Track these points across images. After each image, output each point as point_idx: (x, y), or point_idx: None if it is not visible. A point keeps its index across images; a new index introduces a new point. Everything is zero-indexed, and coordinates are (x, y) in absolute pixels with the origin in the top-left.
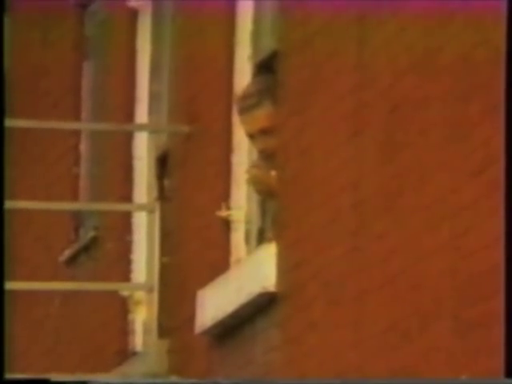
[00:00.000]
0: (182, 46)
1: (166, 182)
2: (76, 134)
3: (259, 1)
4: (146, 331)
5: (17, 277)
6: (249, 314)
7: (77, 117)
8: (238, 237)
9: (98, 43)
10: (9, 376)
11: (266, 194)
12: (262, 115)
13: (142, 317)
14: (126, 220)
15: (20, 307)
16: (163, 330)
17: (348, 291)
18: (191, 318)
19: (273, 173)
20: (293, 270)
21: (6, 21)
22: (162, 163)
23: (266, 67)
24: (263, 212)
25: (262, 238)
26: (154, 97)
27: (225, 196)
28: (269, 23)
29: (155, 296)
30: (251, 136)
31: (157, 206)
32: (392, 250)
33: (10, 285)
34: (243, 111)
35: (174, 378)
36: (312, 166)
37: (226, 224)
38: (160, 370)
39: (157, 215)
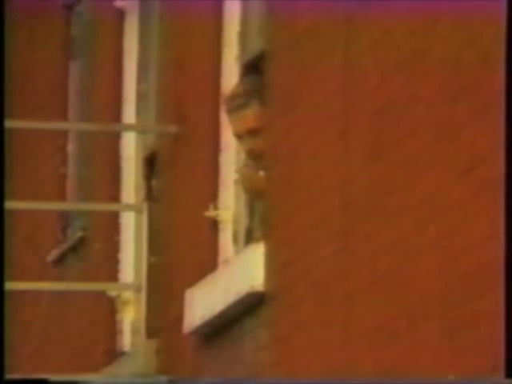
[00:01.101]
0: (169, 47)
1: (154, 182)
2: (63, 134)
3: (246, 2)
4: (134, 331)
5: (5, 277)
6: (237, 314)
7: (64, 117)
8: (225, 237)
9: (84, 43)
10: (8, 376)
11: (254, 193)
12: (250, 116)
13: (130, 317)
14: (113, 220)
15: (8, 307)
16: (151, 330)
17: (336, 291)
18: (179, 317)
19: (261, 173)
20: (281, 269)
21: None
22: (150, 163)
23: (253, 68)
24: (251, 212)
25: (249, 238)
26: (141, 97)
27: (213, 196)
28: (256, 24)
29: (143, 296)
30: (239, 136)
31: (145, 206)
32: (380, 249)
33: None
34: (231, 111)
35: (162, 378)
36: (300, 166)
37: (214, 224)
38: (148, 370)
39: (145, 215)
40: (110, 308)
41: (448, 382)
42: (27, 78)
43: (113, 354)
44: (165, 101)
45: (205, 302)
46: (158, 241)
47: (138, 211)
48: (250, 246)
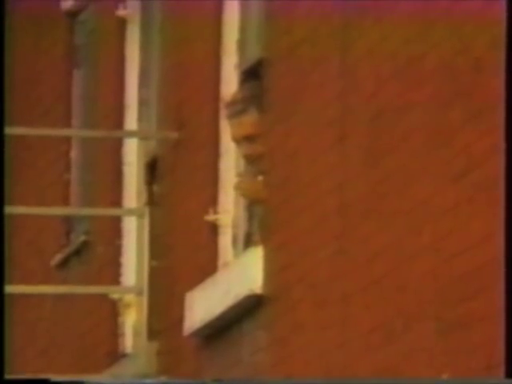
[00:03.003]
0: (170, 54)
1: (155, 188)
2: (67, 140)
3: (245, 10)
4: (136, 333)
5: (10, 280)
6: (236, 316)
7: (68, 124)
8: (225, 240)
9: (87, 51)
10: (8, 376)
11: (253, 198)
12: (248, 122)
13: (132, 319)
14: (116, 224)
15: (13, 310)
16: (153, 332)
17: (333, 293)
18: (180, 320)
19: (259, 178)
20: (279, 272)
21: None
22: (151, 169)
23: (252, 75)
24: (250, 216)
25: (248, 242)
26: (143, 104)
27: (212, 201)
28: (255, 32)
29: (145, 299)
30: (237, 141)
31: (146, 211)
32: (376, 252)
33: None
34: (230, 117)
35: (163, 379)
36: (298, 171)
37: (214, 228)
38: (150, 371)
39: (146, 220)
40: (112, 310)
41: (448, 381)
42: (32, 86)
43: (115, 355)
44: (166, 107)
45: (205, 304)
46: (159, 245)
47: (140, 216)
48: (249, 250)
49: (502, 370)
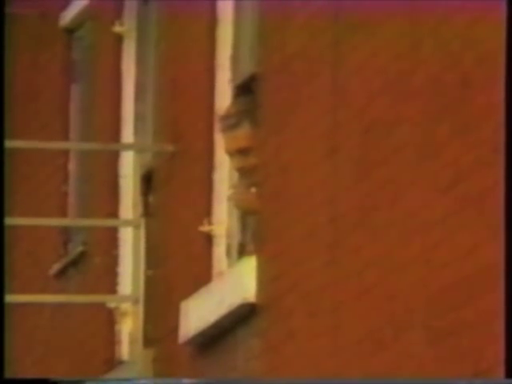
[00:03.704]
0: (165, 69)
1: (151, 199)
2: (65, 153)
3: (238, 26)
4: (132, 341)
5: (9, 290)
6: (230, 324)
7: (65, 137)
8: (219, 250)
9: (85, 66)
10: (8, 376)
11: (246, 209)
12: (241, 135)
13: (128, 327)
14: (112, 235)
15: (12, 318)
16: (148, 340)
17: (325, 302)
18: (175, 328)
19: (253, 189)
20: (272, 282)
21: None
22: (147, 181)
23: (245, 89)
24: (243, 227)
25: (242, 252)
26: (139, 117)
27: (207, 212)
28: (248, 48)
29: (141, 307)
30: (230, 154)
31: (142, 222)
32: (367, 262)
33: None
34: (224, 130)
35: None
36: (290, 183)
37: (208, 238)
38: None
39: (142, 230)
40: (109, 319)
41: (448, 381)
42: (31, 100)
43: (112, 362)
44: (161, 121)
45: (199, 312)
46: (154, 255)
47: (136, 226)
48: (243, 260)
49: (501, 370)
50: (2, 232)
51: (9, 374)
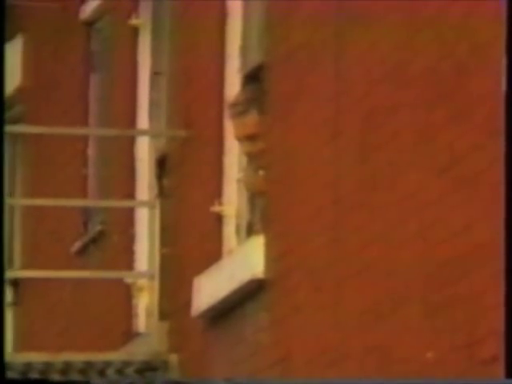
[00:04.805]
0: (178, 60)
1: (165, 181)
2: (84, 138)
3: (247, 18)
4: (148, 314)
5: (33, 266)
6: (239, 299)
7: (85, 123)
8: (229, 230)
9: (103, 57)
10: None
11: (255, 191)
12: (249, 122)
13: (145, 301)
14: (129, 215)
15: (36, 293)
16: (163, 313)
17: (328, 278)
18: (188, 302)
19: (260, 172)
20: (279, 259)
21: (20, 38)
22: (162, 164)
23: (253, 78)
24: (252, 207)
25: (251, 231)
26: (153, 105)
27: (217, 193)
28: (256, 38)
29: (156, 283)
30: (239, 140)
31: (157, 203)
32: (367, 240)
33: (27, 273)
34: (233, 117)
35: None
36: (295, 166)
37: (219, 218)
38: (161, 349)
39: (157, 211)
40: (126, 294)
41: (447, 381)
42: (52, 89)
43: (129, 334)
44: (174, 108)
45: (211, 288)
46: (169, 233)
47: (151, 207)
48: (251, 238)
49: (500, 367)
50: (1, 213)
51: (33, 344)
